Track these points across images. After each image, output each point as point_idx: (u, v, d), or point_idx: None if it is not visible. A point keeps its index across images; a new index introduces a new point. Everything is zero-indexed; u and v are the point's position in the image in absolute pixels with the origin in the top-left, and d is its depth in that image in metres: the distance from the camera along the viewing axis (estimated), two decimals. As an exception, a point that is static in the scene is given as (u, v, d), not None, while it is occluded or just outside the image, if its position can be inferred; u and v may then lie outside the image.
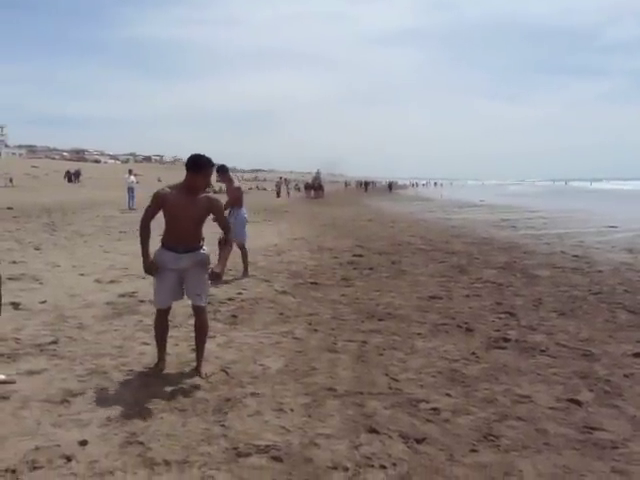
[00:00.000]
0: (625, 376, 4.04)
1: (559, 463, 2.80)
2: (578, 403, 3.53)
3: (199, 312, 4.00)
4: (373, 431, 3.09)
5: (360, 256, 9.96)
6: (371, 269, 8.53)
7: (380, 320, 5.50)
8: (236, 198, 7.77)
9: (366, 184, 73.24)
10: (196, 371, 3.95)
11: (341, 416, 3.29)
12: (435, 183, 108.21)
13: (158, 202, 3.81)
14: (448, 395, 3.64)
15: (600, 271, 8.65)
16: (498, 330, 5.21)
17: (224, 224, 4.03)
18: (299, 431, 3.09)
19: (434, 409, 3.40)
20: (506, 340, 4.88)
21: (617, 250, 11.27)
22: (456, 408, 3.43)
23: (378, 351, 4.53)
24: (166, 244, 3.88)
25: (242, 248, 7.77)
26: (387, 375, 3.98)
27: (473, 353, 4.52)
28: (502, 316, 5.75)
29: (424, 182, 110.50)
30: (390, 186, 73.53)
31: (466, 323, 5.42)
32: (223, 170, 7.74)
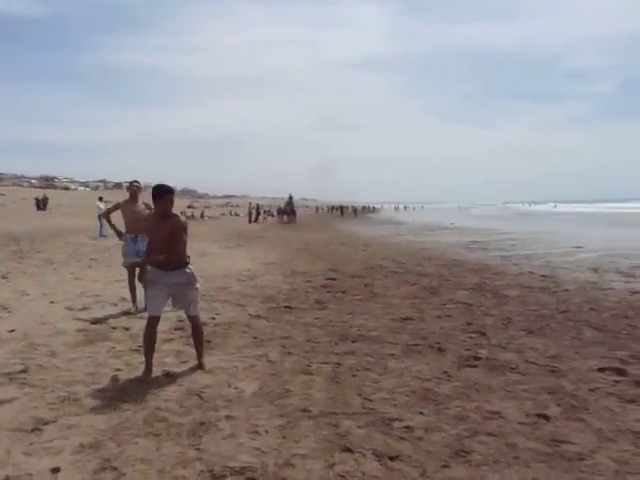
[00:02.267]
0: (590, 390, 4.17)
1: (528, 476, 2.88)
2: (546, 418, 3.63)
3: (195, 319, 4.69)
4: (347, 450, 3.13)
5: (333, 279, 10.04)
6: (344, 292, 8.61)
7: (353, 342, 5.56)
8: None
9: (341, 208, 73.76)
10: (199, 367, 4.59)
11: (316, 436, 3.33)
12: (405, 207, 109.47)
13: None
14: (421, 413, 3.70)
15: (567, 290, 8.89)
16: (469, 349, 5.31)
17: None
18: (274, 452, 3.11)
19: (407, 427, 3.46)
20: (477, 359, 4.98)
21: (583, 269, 11.58)
22: (429, 426, 3.49)
23: (352, 372, 4.58)
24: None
25: None
26: (361, 395, 4.03)
27: (445, 372, 4.61)
28: (473, 335, 5.87)
29: (395, 206, 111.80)
30: (355, 211, 73.83)
31: (438, 343, 5.51)
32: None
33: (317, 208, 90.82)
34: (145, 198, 6.79)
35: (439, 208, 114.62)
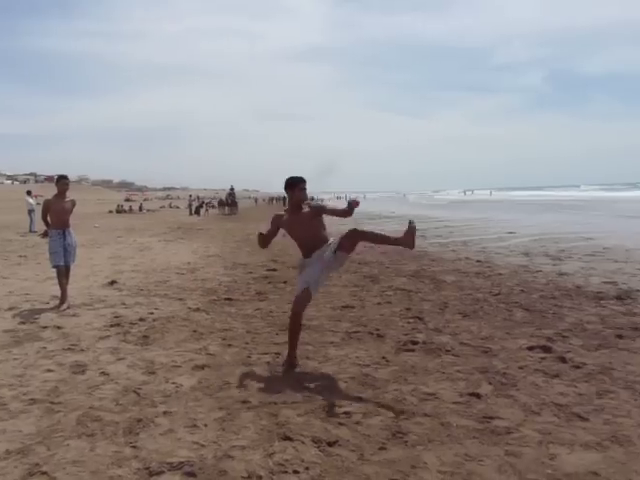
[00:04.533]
0: (520, 368, 4.37)
1: (460, 452, 2.99)
2: (478, 396, 3.78)
3: None
4: (287, 438, 3.15)
5: (274, 270, 10.02)
6: (285, 282, 8.61)
7: (294, 331, 5.58)
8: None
9: (284, 199, 73.44)
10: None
11: (255, 427, 3.32)
12: (347, 196, 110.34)
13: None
14: (359, 399, 3.77)
15: (500, 274, 9.26)
16: (407, 334, 5.45)
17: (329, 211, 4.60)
18: (213, 445, 3.08)
19: (346, 413, 3.51)
20: (414, 343, 5.12)
21: (515, 254, 12.09)
22: (367, 410, 3.56)
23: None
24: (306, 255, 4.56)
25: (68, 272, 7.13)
26: (300, 384, 4.06)
27: (384, 357, 4.71)
28: (411, 321, 6.02)
29: (337, 195, 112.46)
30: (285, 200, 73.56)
31: (377, 329, 5.62)
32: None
33: (256, 200, 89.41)
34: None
35: (379, 197, 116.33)
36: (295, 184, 4.56)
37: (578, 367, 4.38)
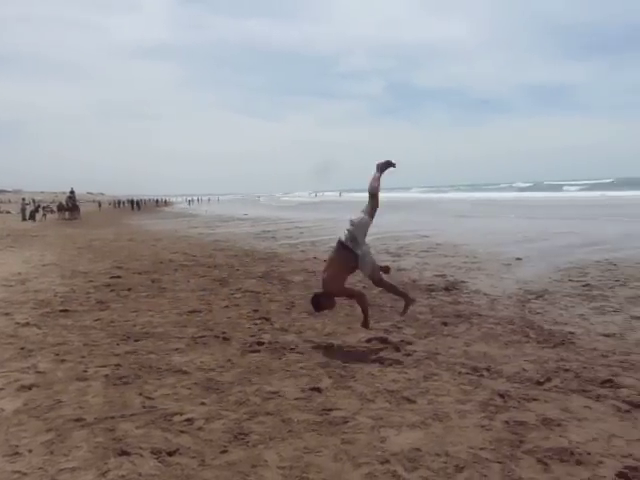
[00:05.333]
0: (358, 360, 4.65)
1: (300, 446, 3.10)
2: (319, 390, 3.95)
3: None
4: (124, 453, 3.01)
5: (118, 277, 9.49)
6: (129, 290, 8.20)
7: (137, 341, 5.34)
8: None
9: (136, 203, 69.39)
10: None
11: (89, 445, 3.13)
12: (199, 199, 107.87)
13: None
14: (202, 404, 3.73)
15: (345, 272, 9.71)
16: (253, 335, 5.50)
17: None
18: (39, 472, 2.84)
19: (188, 420, 3.45)
20: (260, 344, 5.18)
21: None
22: (210, 415, 3.54)
23: (133, 372, 4.40)
24: None
25: None
26: (141, 394, 3.90)
27: (229, 360, 4.70)
28: (258, 322, 6.08)
29: (189, 198, 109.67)
30: (138, 204, 69.71)
31: (224, 333, 5.60)
32: None
33: (100, 203, 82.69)
34: None
35: (233, 199, 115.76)
36: None
37: (409, 355, 4.77)
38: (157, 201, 74.84)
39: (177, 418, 3.48)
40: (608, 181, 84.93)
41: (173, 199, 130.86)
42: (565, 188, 76.82)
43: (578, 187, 75.87)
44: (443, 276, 9.01)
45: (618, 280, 8.21)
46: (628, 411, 3.49)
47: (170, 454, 3.01)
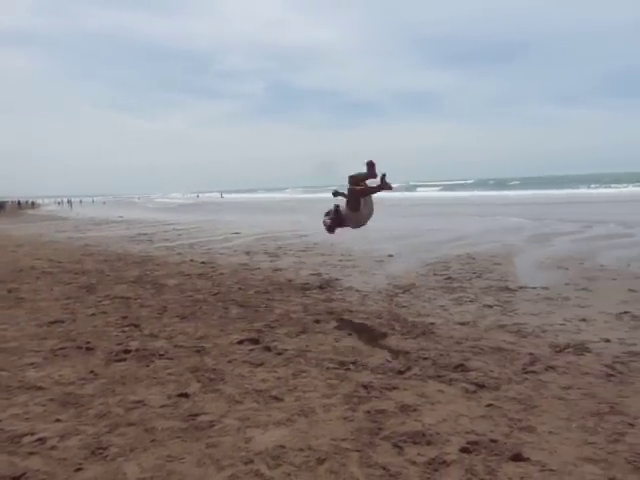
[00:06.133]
0: (229, 362, 4.61)
1: (163, 454, 3.02)
2: (186, 395, 3.86)
3: None
4: (-40, 484, 2.74)
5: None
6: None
7: (-16, 358, 4.87)
8: None
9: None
10: None
11: None
12: (70, 201, 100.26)
13: None
14: (58, 420, 3.48)
15: (222, 274, 9.60)
16: (120, 343, 5.24)
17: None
18: None
19: (39, 439, 3.21)
20: (127, 352, 4.95)
21: (238, 253, 12.69)
22: (65, 432, 3.32)
23: (-23, 393, 4.01)
24: None
25: None
26: (-14, 417, 3.56)
27: (92, 371, 4.44)
28: (126, 329, 5.81)
29: (59, 200, 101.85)
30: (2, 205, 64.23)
31: (88, 342, 5.27)
32: None
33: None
34: None
35: (108, 201, 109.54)
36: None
37: (280, 354, 4.83)
38: (20, 203, 68.61)
39: (27, 439, 3.22)
40: (470, 182, 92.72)
41: (40, 201, 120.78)
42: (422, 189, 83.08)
43: (440, 187, 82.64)
44: (318, 275, 9.23)
45: (475, 272, 8.97)
46: (474, 392, 3.82)
47: (15, 479, 2.78)
